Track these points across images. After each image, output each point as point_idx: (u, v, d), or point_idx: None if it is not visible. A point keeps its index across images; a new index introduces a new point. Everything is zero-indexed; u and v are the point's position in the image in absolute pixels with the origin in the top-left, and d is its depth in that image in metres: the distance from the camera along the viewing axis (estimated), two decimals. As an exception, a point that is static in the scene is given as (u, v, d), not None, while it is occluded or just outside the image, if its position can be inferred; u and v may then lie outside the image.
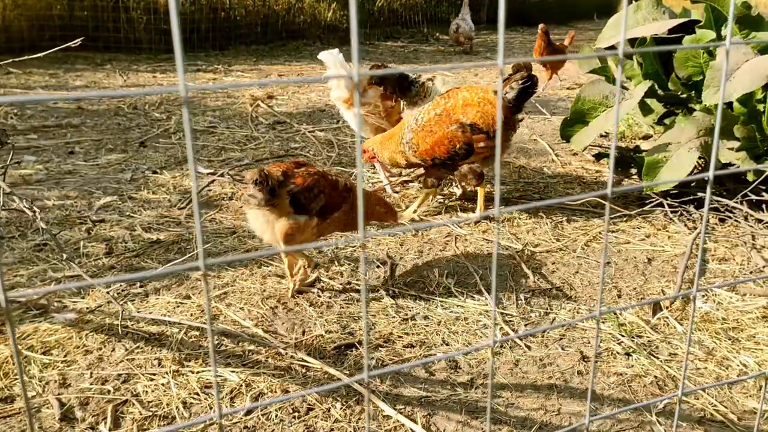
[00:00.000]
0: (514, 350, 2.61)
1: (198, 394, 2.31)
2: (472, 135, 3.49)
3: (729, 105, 3.84)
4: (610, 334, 2.73)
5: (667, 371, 2.48)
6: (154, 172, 4.62)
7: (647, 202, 4.13)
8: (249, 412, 2.20)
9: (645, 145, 4.86)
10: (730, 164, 3.99)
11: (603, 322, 2.80)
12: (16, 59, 2.85)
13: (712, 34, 4.06)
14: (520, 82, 3.44)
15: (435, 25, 13.35)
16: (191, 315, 2.81)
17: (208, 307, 0.63)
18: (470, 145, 3.51)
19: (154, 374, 2.41)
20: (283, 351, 2.56)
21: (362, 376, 0.72)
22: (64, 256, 2.69)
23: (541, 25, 7.04)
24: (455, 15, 10.79)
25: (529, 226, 3.80)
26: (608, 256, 3.46)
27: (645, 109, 4.63)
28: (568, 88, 8.05)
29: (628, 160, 4.70)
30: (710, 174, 0.89)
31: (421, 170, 4.00)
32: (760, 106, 3.85)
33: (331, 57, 4.18)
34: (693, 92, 4.24)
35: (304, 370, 2.46)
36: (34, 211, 2.68)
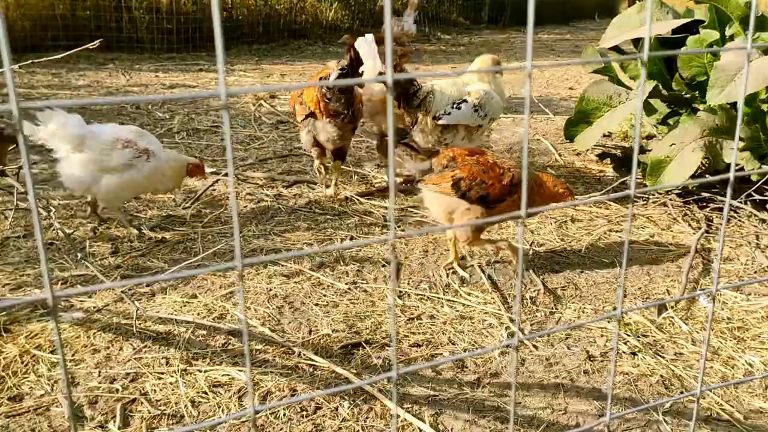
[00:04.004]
0: (520, 349, 2.62)
1: (206, 393, 2.32)
2: (297, 103, 4.12)
3: (733, 105, 3.85)
4: (617, 333, 2.74)
5: (673, 370, 2.49)
6: (159, 172, 4.62)
7: (651, 202, 4.14)
8: (257, 411, 2.21)
9: (648, 145, 4.87)
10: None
11: (608, 322, 2.81)
12: (35, 60, 2.86)
13: (716, 35, 4.07)
14: (338, 70, 3.82)
15: (436, 24, 13.34)
16: (198, 314, 2.82)
17: (242, 306, 0.64)
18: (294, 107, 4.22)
19: (162, 373, 2.42)
20: (295, 349, 2.57)
21: (391, 374, 0.73)
22: (79, 255, 2.70)
23: (346, 36, 6.07)
24: (399, 16, 10.48)
25: (533, 226, 3.81)
26: (612, 255, 3.47)
27: (649, 109, 4.64)
28: (570, 88, 8.06)
29: (631, 160, 4.71)
30: (731, 175, 0.90)
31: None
32: (764, 106, 3.86)
33: (365, 44, 4.22)
34: (697, 92, 4.25)
35: (311, 369, 2.47)
36: (49, 211, 2.69)
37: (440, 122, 3.82)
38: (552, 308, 2.95)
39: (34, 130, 3.28)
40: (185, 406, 2.26)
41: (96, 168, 3.33)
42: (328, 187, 4.33)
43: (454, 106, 3.84)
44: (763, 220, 3.82)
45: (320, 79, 3.98)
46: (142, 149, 3.39)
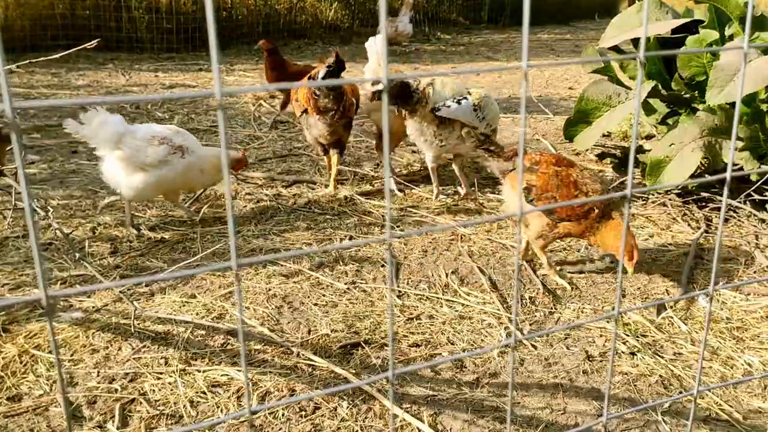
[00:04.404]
0: (520, 349, 2.61)
1: (205, 393, 2.32)
2: (294, 101, 4.23)
3: (732, 105, 3.84)
4: (615, 333, 2.74)
5: (672, 370, 2.49)
6: (158, 172, 4.62)
7: (651, 202, 4.14)
8: (254, 412, 2.21)
9: (648, 145, 4.87)
10: (733, 164, 4.00)
11: (607, 322, 2.81)
12: (33, 60, 2.86)
13: (716, 35, 4.07)
14: (325, 67, 3.91)
15: (436, 24, 13.34)
16: (197, 314, 2.82)
17: (240, 306, 0.63)
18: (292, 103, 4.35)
19: (161, 373, 2.42)
20: (294, 349, 2.57)
21: (387, 374, 0.73)
22: (77, 255, 2.69)
23: (262, 42, 5.67)
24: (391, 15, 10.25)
25: (532, 226, 3.80)
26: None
27: (648, 109, 4.64)
28: (569, 88, 8.06)
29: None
30: (728, 175, 0.90)
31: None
32: (764, 106, 3.86)
33: (374, 46, 4.27)
34: (696, 92, 4.25)
35: (310, 369, 2.47)
36: (47, 211, 2.69)
37: (439, 113, 3.81)
38: (551, 308, 2.94)
39: (78, 128, 3.41)
40: (184, 406, 2.25)
41: (131, 164, 3.44)
42: (326, 186, 4.34)
43: (455, 100, 3.84)
44: (763, 220, 3.82)
45: (309, 77, 4.03)
46: (177, 146, 3.51)
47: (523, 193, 3.06)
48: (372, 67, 4.37)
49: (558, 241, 3.27)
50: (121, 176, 3.46)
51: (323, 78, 3.89)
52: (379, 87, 3.85)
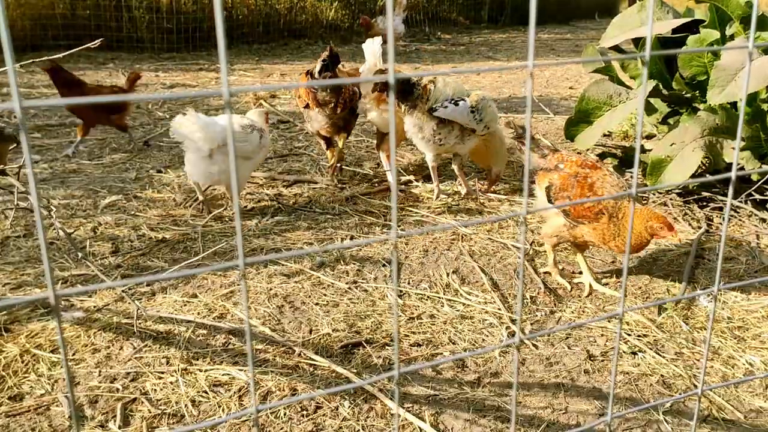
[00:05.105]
0: (521, 349, 2.62)
1: (206, 392, 2.32)
2: (296, 96, 4.45)
3: (733, 105, 3.85)
4: (616, 333, 2.74)
5: (673, 370, 2.49)
6: (159, 171, 4.62)
7: (651, 201, 4.14)
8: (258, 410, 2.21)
9: (649, 145, 4.87)
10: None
11: (608, 321, 2.81)
12: (36, 60, 2.87)
13: (717, 34, 4.07)
14: (320, 62, 4.05)
15: (437, 24, 13.34)
16: (198, 313, 2.82)
17: (245, 306, 0.64)
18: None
19: (163, 372, 2.42)
20: (295, 349, 2.57)
21: (393, 373, 0.73)
22: (80, 255, 2.70)
23: (44, 60, 4.69)
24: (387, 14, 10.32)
25: (533, 225, 3.80)
26: (613, 255, 3.46)
27: (649, 108, 4.64)
28: (570, 88, 8.06)
29: (631, 160, 4.71)
30: (732, 174, 0.90)
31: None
32: (765, 106, 3.86)
33: (371, 47, 4.31)
34: (697, 92, 4.25)
35: (311, 369, 2.47)
36: (50, 210, 2.69)
37: (435, 113, 3.81)
38: (552, 308, 2.95)
39: (187, 132, 3.53)
40: (186, 405, 2.26)
41: (238, 157, 3.62)
42: (332, 182, 4.39)
43: (452, 101, 3.84)
44: (763, 220, 3.82)
45: (307, 72, 4.12)
46: (260, 128, 3.75)
47: (545, 193, 3.10)
48: (370, 67, 4.37)
49: (569, 246, 3.25)
50: (230, 169, 3.58)
51: (320, 71, 3.97)
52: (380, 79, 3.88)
